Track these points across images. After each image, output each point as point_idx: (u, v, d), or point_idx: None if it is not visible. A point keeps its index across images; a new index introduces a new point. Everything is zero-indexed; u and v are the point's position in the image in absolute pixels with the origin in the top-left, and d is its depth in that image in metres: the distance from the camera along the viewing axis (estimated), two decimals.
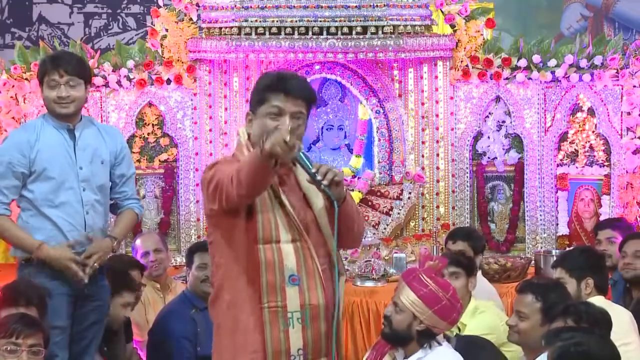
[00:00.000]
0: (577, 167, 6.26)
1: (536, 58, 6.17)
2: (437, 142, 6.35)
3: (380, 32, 6.03)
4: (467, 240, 5.07)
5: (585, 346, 2.71)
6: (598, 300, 3.94)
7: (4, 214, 4.02)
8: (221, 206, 2.97)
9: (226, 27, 6.06)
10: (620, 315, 3.81)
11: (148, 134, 6.29)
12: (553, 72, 6.18)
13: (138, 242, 5.53)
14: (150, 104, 6.27)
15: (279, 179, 3.08)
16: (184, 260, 5.97)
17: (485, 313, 4.40)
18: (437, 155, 6.36)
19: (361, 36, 6.03)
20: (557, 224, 6.28)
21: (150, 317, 5.06)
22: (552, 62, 6.16)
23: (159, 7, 6.28)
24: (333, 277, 3.11)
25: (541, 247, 6.22)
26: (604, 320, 3.28)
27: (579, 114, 6.25)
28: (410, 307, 3.45)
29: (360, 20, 6.03)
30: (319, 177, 2.95)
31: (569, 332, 2.81)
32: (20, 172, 3.97)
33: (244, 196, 2.91)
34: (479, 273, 5.10)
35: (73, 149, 4.03)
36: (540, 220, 6.31)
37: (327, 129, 6.53)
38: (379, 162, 6.41)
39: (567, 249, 5.79)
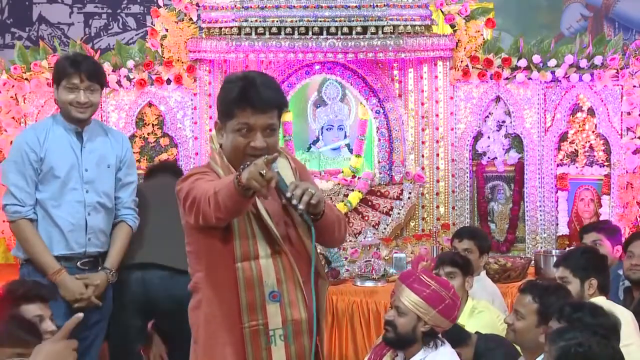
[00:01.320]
0: (577, 167, 6.26)
1: (536, 58, 6.17)
2: (437, 142, 6.35)
3: (380, 32, 6.03)
4: (473, 239, 5.08)
5: (587, 347, 2.71)
6: (600, 301, 3.94)
7: (30, 217, 4.00)
8: (197, 222, 2.90)
9: (226, 27, 6.06)
10: (622, 316, 3.81)
11: (148, 134, 6.30)
12: (553, 72, 6.18)
13: None
14: (150, 104, 6.27)
15: None
16: None
17: (484, 312, 4.41)
18: (437, 155, 6.36)
19: (361, 36, 6.03)
20: (557, 224, 6.28)
21: None
22: (552, 62, 6.16)
23: (159, 7, 6.28)
24: (316, 287, 3.03)
25: (541, 247, 6.22)
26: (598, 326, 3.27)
27: (579, 114, 6.25)
28: (414, 309, 3.45)
29: (360, 20, 6.03)
30: (294, 202, 2.85)
31: (572, 332, 2.80)
32: (32, 167, 3.99)
33: (221, 219, 2.84)
34: (483, 273, 5.10)
35: (80, 151, 4.05)
36: (540, 220, 6.31)
37: (327, 129, 6.53)
38: (379, 162, 6.41)
39: (568, 248, 5.79)
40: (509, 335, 3.70)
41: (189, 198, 2.91)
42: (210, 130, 6.27)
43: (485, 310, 4.45)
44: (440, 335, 3.56)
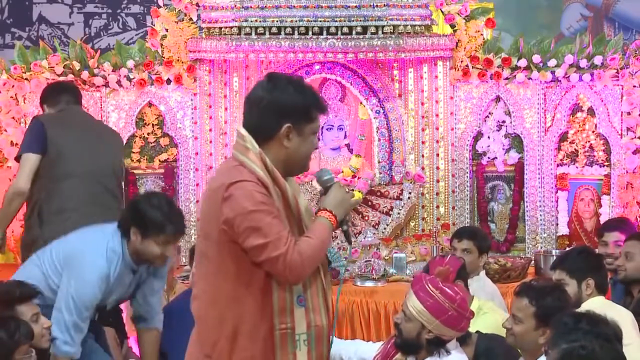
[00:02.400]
0: (577, 167, 6.26)
1: (536, 58, 6.17)
2: (437, 142, 6.35)
3: (380, 32, 6.02)
4: (473, 239, 5.07)
5: (590, 350, 2.70)
6: (598, 301, 3.94)
7: (73, 355, 3.96)
8: (261, 265, 2.87)
9: (226, 27, 6.06)
10: (621, 316, 3.80)
11: (148, 134, 6.30)
12: (553, 72, 6.18)
13: None
14: (150, 104, 6.27)
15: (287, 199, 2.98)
16: (184, 260, 6.01)
17: (488, 314, 4.40)
18: (437, 155, 6.36)
19: (361, 36, 6.03)
20: (557, 224, 6.28)
21: None
22: (552, 62, 6.16)
23: (159, 7, 6.28)
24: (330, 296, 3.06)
25: (541, 247, 6.22)
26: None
27: (579, 114, 6.25)
28: (418, 316, 3.44)
29: (360, 20, 6.03)
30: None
31: (575, 334, 2.79)
32: (95, 304, 4.02)
33: (301, 279, 2.91)
34: (483, 273, 5.10)
35: (129, 284, 4.10)
36: (540, 220, 6.31)
37: (327, 129, 6.53)
38: (379, 162, 6.41)
39: (567, 249, 5.79)
40: (509, 339, 3.69)
41: (254, 236, 2.84)
42: (211, 130, 6.28)
43: (490, 311, 4.45)
44: (453, 342, 3.53)
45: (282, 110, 2.93)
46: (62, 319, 3.88)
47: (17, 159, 4.87)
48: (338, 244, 5.88)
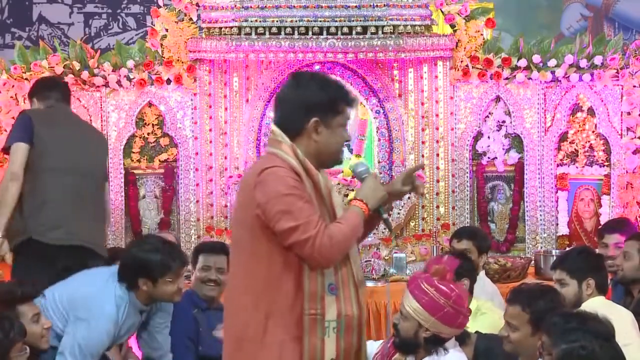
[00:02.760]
0: (577, 167, 6.26)
1: (536, 58, 6.17)
2: (437, 142, 6.35)
3: (380, 32, 6.02)
4: (472, 240, 5.06)
5: (590, 350, 2.70)
6: (598, 301, 3.94)
7: None
8: (291, 248, 2.94)
9: (226, 27, 6.06)
10: (621, 316, 3.80)
11: (148, 134, 6.30)
12: (553, 72, 6.18)
13: None
14: (150, 104, 6.27)
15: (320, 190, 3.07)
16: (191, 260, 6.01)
17: (487, 315, 4.39)
18: (437, 155, 6.36)
19: (361, 36, 6.03)
20: (557, 224, 6.28)
21: None
22: (552, 62, 6.16)
23: (159, 7, 6.28)
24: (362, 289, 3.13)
25: (541, 247, 6.22)
26: None
27: (579, 114, 6.25)
28: (414, 315, 3.44)
29: (360, 20, 6.03)
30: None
31: (575, 334, 2.79)
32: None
33: (330, 263, 2.96)
34: (482, 273, 5.10)
35: (138, 325, 4.14)
36: (540, 220, 6.31)
37: None
38: (379, 162, 6.41)
39: (567, 249, 5.79)
40: (507, 347, 3.67)
41: (285, 219, 2.91)
42: (211, 130, 6.28)
43: (489, 312, 4.44)
44: (451, 341, 3.53)
45: (307, 105, 3.04)
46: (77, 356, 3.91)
47: (6, 150, 4.83)
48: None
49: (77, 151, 4.83)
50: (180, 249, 4.11)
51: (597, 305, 3.76)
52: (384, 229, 6.14)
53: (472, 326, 4.20)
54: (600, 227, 5.55)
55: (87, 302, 3.96)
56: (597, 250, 4.84)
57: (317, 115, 3.04)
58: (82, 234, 4.62)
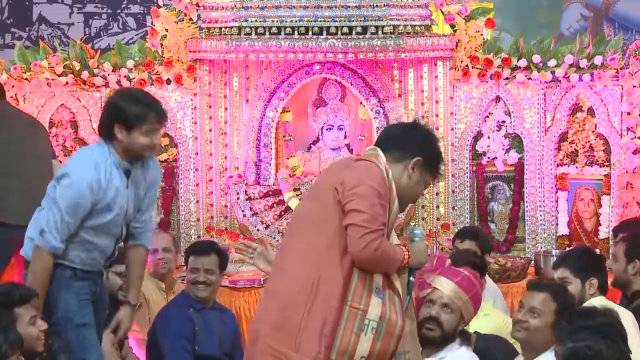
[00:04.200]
0: (577, 167, 6.26)
1: (536, 58, 6.17)
2: None
3: (380, 32, 6.02)
4: (475, 240, 5.06)
5: (597, 350, 2.68)
6: (600, 301, 3.94)
7: (58, 252, 3.93)
8: (345, 221, 3.04)
9: (226, 27, 6.06)
10: (623, 316, 3.80)
11: None
12: (553, 72, 6.18)
13: None
14: None
15: None
16: (184, 261, 6.02)
17: (489, 316, 4.39)
18: None
19: (361, 36, 6.03)
20: (557, 224, 6.28)
21: (153, 316, 5.05)
22: (552, 62, 6.16)
23: (159, 7, 6.28)
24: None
25: (541, 247, 6.22)
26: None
27: (579, 114, 6.25)
28: (455, 298, 3.45)
29: (360, 20, 6.03)
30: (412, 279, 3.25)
31: (583, 333, 2.77)
32: (87, 210, 3.92)
33: (365, 262, 3.06)
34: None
35: (126, 187, 4.03)
36: (540, 220, 6.31)
37: (327, 129, 6.51)
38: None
39: (567, 249, 5.79)
40: (519, 334, 3.66)
41: (358, 202, 3.01)
42: (211, 130, 6.28)
43: (490, 313, 4.44)
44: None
45: (420, 147, 3.20)
46: (45, 216, 3.88)
47: None
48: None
49: (33, 139, 5.26)
50: (162, 107, 4.03)
51: (598, 305, 3.77)
52: None
53: (473, 326, 4.20)
54: (616, 226, 5.62)
55: (67, 173, 3.94)
56: (610, 249, 4.84)
57: (422, 157, 3.18)
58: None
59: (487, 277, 5.08)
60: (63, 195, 3.87)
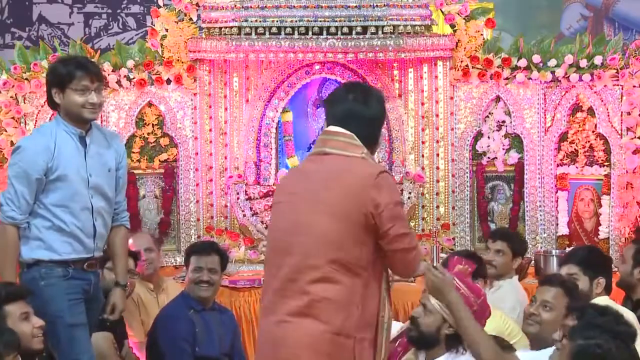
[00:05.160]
0: (577, 167, 6.26)
1: (536, 58, 6.17)
2: (437, 142, 6.35)
3: (380, 32, 6.02)
4: (507, 241, 5.04)
5: (606, 349, 2.67)
6: (604, 300, 3.94)
7: (22, 226, 3.97)
8: (392, 246, 3.17)
9: (226, 27, 6.06)
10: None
11: (148, 134, 6.29)
12: (553, 72, 6.18)
13: (130, 241, 5.50)
14: (150, 104, 6.27)
15: None
16: (179, 261, 6.02)
17: (491, 317, 4.38)
18: (437, 155, 6.36)
19: (361, 36, 6.02)
20: (557, 224, 6.28)
21: (143, 317, 5.06)
22: (552, 62, 6.16)
23: (159, 7, 6.28)
24: None
25: (541, 247, 6.22)
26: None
27: (579, 114, 6.25)
28: (441, 310, 3.42)
29: (360, 20, 6.03)
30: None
31: (593, 331, 2.77)
32: (39, 179, 3.95)
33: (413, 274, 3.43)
34: (516, 277, 5.06)
35: (84, 157, 4.04)
36: (540, 220, 6.31)
37: None
38: (379, 162, 6.40)
39: (568, 249, 5.80)
40: (531, 328, 3.66)
41: (399, 225, 3.16)
42: (211, 130, 6.28)
43: (492, 315, 4.44)
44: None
45: (380, 121, 3.37)
46: (9, 190, 3.96)
47: None
48: None
49: None
50: (96, 66, 4.11)
51: (603, 304, 3.77)
52: None
53: None
54: (599, 225, 5.62)
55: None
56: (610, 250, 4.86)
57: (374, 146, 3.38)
58: None
59: (516, 281, 5.06)
60: (14, 166, 3.98)
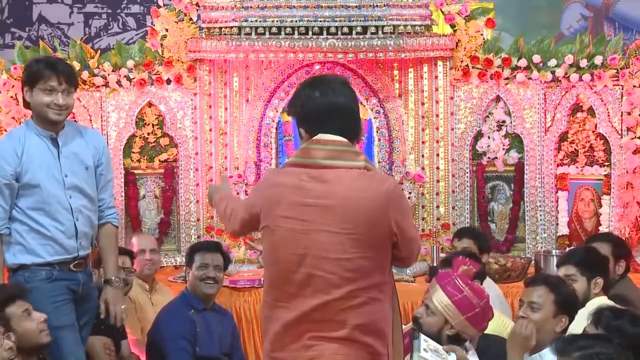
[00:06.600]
0: (577, 167, 6.26)
1: (536, 58, 6.17)
2: (437, 142, 6.35)
3: (380, 32, 6.02)
4: (473, 239, 5.05)
5: (608, 356, 2.65)
6: (602, 301, 3.95)
7: (1, 232, 3.95)
8: (409, 251, 3.17)
9: (226, 27, 6.06)
10: None
11: (148, 134, 6.30)
12: (553, 72, 6.18)
13: (134, 239, 5.53)
14: (150, 104, 6.27)
15: None
16: (184, 261, 6.01)
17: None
18: (437, 155, 6.36)
19: (361, 36, 6.02)
20: (557, 224, 6.28)
21: (140, 315, 5.08)
22: (552, 62, 6.16)
23: (159, 7, 6.28)
24: None
25: (541, 247, 6.22)
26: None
27: (579, 114, 6.25)
28: (443, 311, 3.43)
29: (360, 20, 6.03)
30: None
31: (586, 340, 2.73)
32: (8, 184, 3.93)
33: None
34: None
35: (57, 158, 4.01)
36: (540, 220, 6.31)
37: None
38: (379, 162, 6.40)
39: (568, 249, 5.80)
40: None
41: (414, 230, 3.16)
42: (211, 130, 6.28)
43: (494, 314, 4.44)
44: (467, 343, 3.52)
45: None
46: None
47: None
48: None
49: None
50: (64, 66, 4.05)
51: (601, 305, 3.77)
52: None
53: None
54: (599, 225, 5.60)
55: None
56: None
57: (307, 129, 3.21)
58: None
59: (489, 280, 5.08)
60: None
